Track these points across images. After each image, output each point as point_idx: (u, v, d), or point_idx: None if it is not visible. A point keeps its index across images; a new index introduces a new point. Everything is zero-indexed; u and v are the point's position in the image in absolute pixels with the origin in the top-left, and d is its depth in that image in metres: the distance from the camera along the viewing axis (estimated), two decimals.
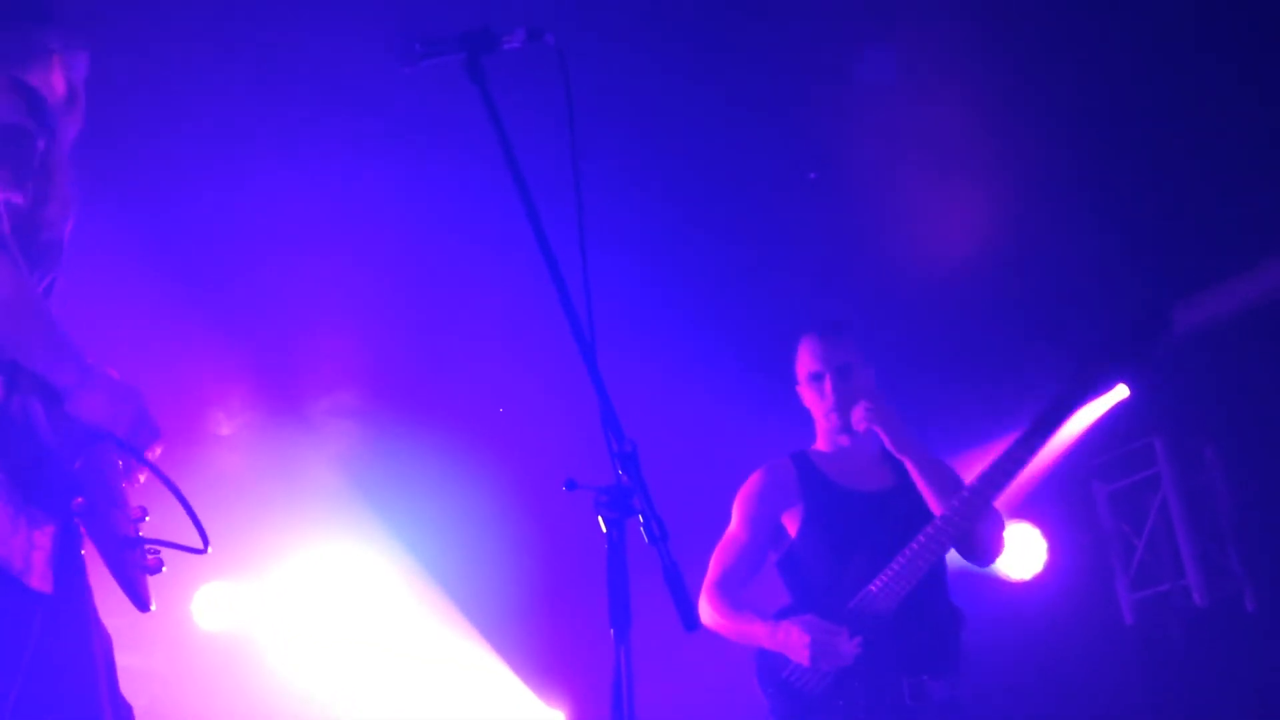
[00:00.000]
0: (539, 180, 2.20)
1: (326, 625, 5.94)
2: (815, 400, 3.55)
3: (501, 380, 5.44)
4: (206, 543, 2.09)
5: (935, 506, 3.33)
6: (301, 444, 5.61)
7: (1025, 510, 5.74)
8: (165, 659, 5.40)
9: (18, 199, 1.96)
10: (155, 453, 2.09)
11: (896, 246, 4.97)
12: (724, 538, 3.58)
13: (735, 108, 4.35)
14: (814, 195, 4.76)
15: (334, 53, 3.87)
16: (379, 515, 5.81)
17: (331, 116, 4.16)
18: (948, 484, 3.34)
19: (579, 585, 4.80)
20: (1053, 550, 5.78)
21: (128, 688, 2.13)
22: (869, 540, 3.37)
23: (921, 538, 3.27)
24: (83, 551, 2.02)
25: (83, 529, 2.00)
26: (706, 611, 3.46)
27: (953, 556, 3.46)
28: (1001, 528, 3.45)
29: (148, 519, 2.10)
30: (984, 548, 3.41)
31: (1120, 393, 5.74)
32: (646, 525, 1.98)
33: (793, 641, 3.24)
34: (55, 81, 2.29)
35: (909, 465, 3.38)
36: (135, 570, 2.05)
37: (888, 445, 3.39)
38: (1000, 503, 3.44)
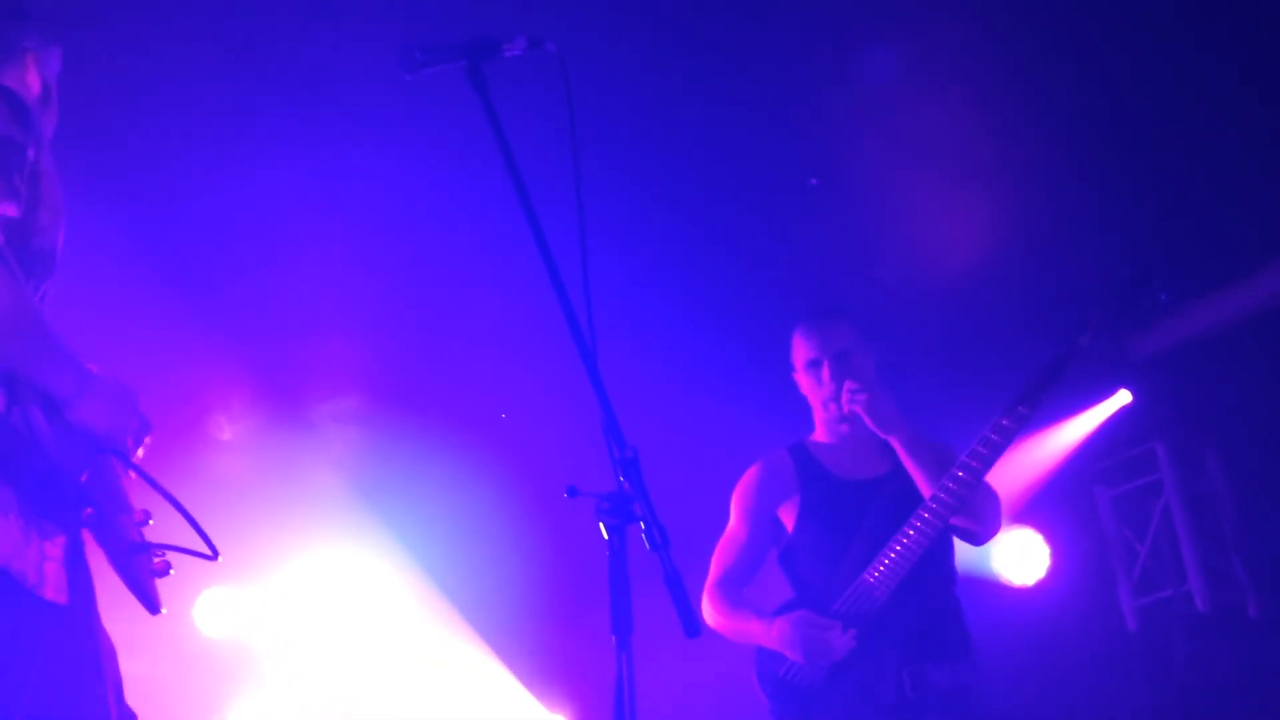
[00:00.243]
0: (540, 186, 2.20)
1: (329, 630, 5.94)
2: (813, 388, 3.48)
3: (503, 386, 5.44)
4: (215, 552, 2.09)
5: (925, 489, 3.25)
6: (303, 449, 5.61)
7: (1028, 516, 5.74)
8: (167, 665, 5.40)
9: (11, 210, 1.96)
10: (145, 443, 2.09)
11: (898, 250, 4.97)
12: (724, 535, 3.55)
13: (736, 113, 4.35)
14: (816, 200, 4.76)
15: (337, 58, 3.88)
16: (381, 520, 5.81)
17: (332, 121, 4.17)
18: (937, 465, 3.25)
19: (581, 591, 4.80)
20: (1055, 556, 5.77)
21: (130, 694, 2.13)
22: (864, 529, 3.31)
23: (915, 521, 3.19)
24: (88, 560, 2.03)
25: (91, 537, 2.00)
26: (708, 611, 3.43)
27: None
28: (995, 504, 3.35)
29: (151, 522, 2.11)
30: (978, 526, 3.30)
31: (1123, 398, 5.74)
32: (648, 531, 1.98)
33: (785, 638, 3.21)
34: (31, 80, 2.27)
35: (896, 447, 3.30)
36: (145, 574, 2.06)
37: (871, 427, 3.31)
38: (998, 487, 3.37)
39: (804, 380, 3.52)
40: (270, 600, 5.79)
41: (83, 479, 1.96)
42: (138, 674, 2.18)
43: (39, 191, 2.04)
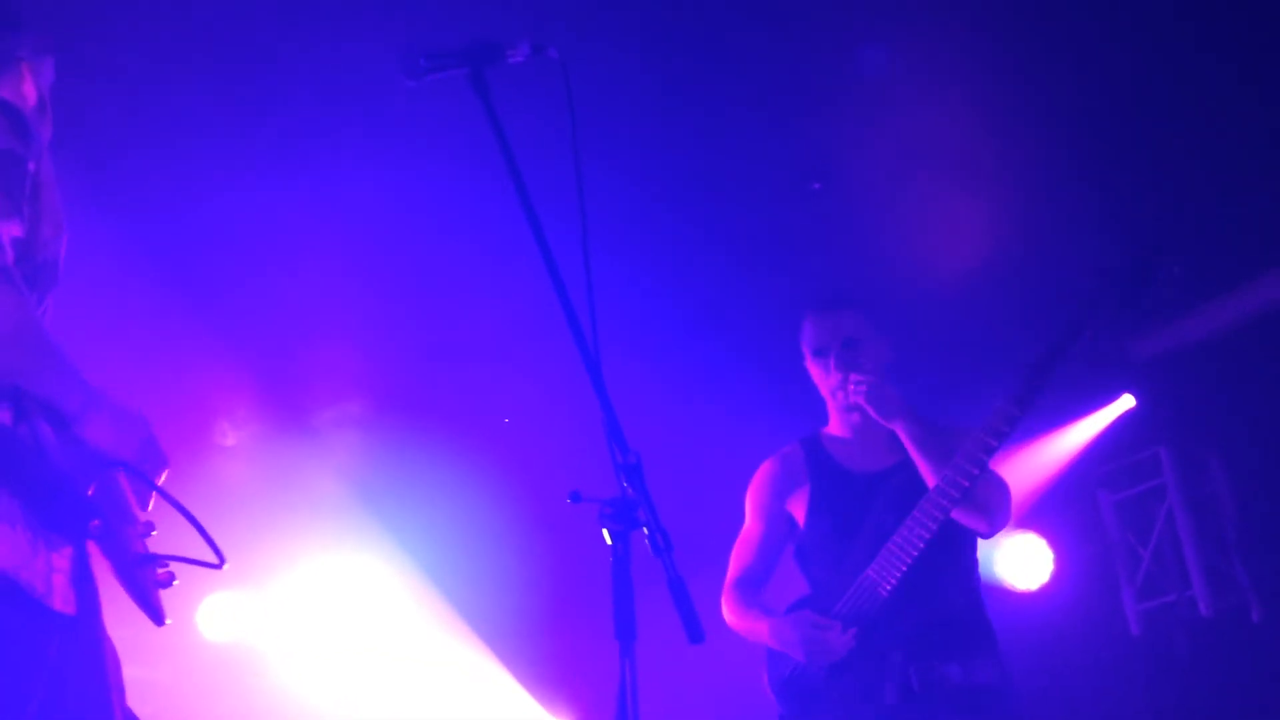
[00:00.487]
0: (543, 192, 2.21)
1: (332, 635, 5.94)
2: (821, 377, 3.41)
3: (507, 392, 5.44)
4: (222, 559, 2.10)
5: (930, 480, 3.13)
6: (306, 454, 5.61)
7: (1031, 521, 5.74)
8: (170, 670, 5.40)
9: (16, 230, 1.96)
10: (161, 477, 2.10)
11: (900, 251, 4.97)
12: (740, 534, 3.49)
13: (738, 116, 4.35)
14: (818, 202, 4.76)
15: (341, 64, 3.88)
16: (384, 526, 5.81)
17: (335, 128, 4.17)
18: (943, 455, 3.12)
19: (584, 597, 4.79)
20: (1059, 560, 5.77)
21: (133, 699, 2.14)
22: (870, 523, 3.22)
23: (917, 514, 3.08)
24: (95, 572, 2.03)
25: (97, 549, 2.01)
26: (724, 612, 3.38)
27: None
28: (1002, 494, 3.21)
29: (155, 533, 2.11)
30: (982, 518, 3.15)
31: (1126, 402, 5.74)
32: (651, 537, 1.98)
33: (787, 639, 3.17)
34: (27, 91, 2.26)
35: (901, 436, 3.19)
36: (150, 586, 2.06)
37: (874, 417, 3.21)
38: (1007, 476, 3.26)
39: (813, 369, 3.44)
40: (274, 605, 5.79)
41: (89, 492, 1.97)
42: (141, 679, 2.19)
43: (40, 204, 2.04)
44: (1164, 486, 5.61)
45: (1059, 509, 5.78)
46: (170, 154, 4.16)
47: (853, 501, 3.31)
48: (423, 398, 5.47)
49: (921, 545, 3.06)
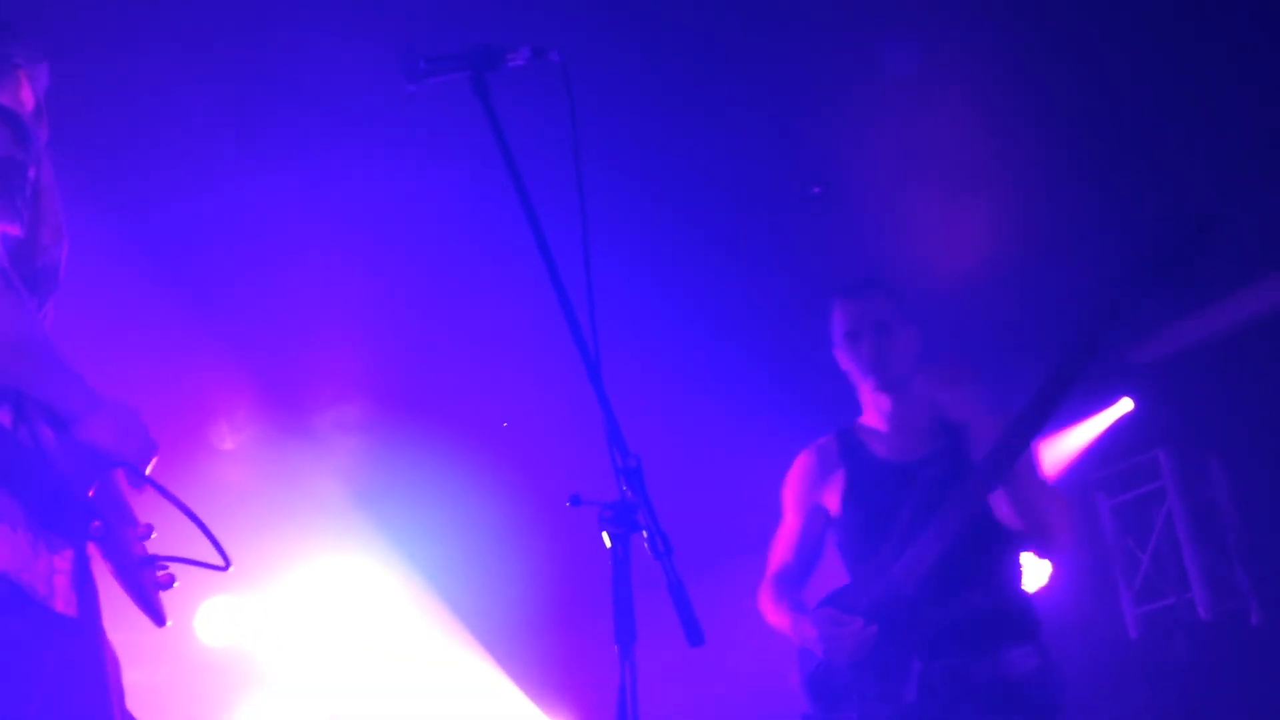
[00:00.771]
0: (543, 194, 2.21)
1: (330, 639, 5.94)
2: (852, 362, 3.30)
3: (506, 395, 5.44)
4: (228, 561, 2.11)
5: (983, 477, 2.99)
6: (306, 457, 5.61)
7: None
8: (168, 674, 5.40)
9: (15, 231, 1.98)
10: (150, 464, 2.10)
11: (901, 254, 4.97)
12: (778, 528, 3.42)
13: (738, 120, 4.35)
14: (819, 205, 4.77)
15: (342, 66, 3.88)
16: (383, 529, 5.81)
17: (335, 130, 4.17)
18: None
19: (584, 601, 4.79)
20: (1056, 564, 5.76)
21: (131, 703, 2.14)
22: (902, 514, 3.11)
23: (947, 506, 2.98)
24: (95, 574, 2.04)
25: (97, 551, 2.02)
26: (761, 607, 3.33)
27: None
28: (1048, 499, 3.07)
29: (154, 535, 2.12)
30: (1029, 524, 3.05)
31: (1125, 406, 5.74)
32: (651, 540, 1.98)
33: (807, 635, 3.11)
34: (24, 97, 2.28)
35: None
36: (150, 587, 2.07)
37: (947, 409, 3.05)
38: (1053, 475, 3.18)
39: (844, 355, 3.34)
40: (272, 609, 5.79)
41: (90, 494, 1.97)
42: (139, 683, 2.18)
43: (40, 209, 2.06)
44: (1163, 489, 5.62)
45: None
46: (170, 157, 4.17)
47: (886, 492, 3.20)
48: (422, 400, 5.47)
49: (949, 539, 2.98)
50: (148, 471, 2.08)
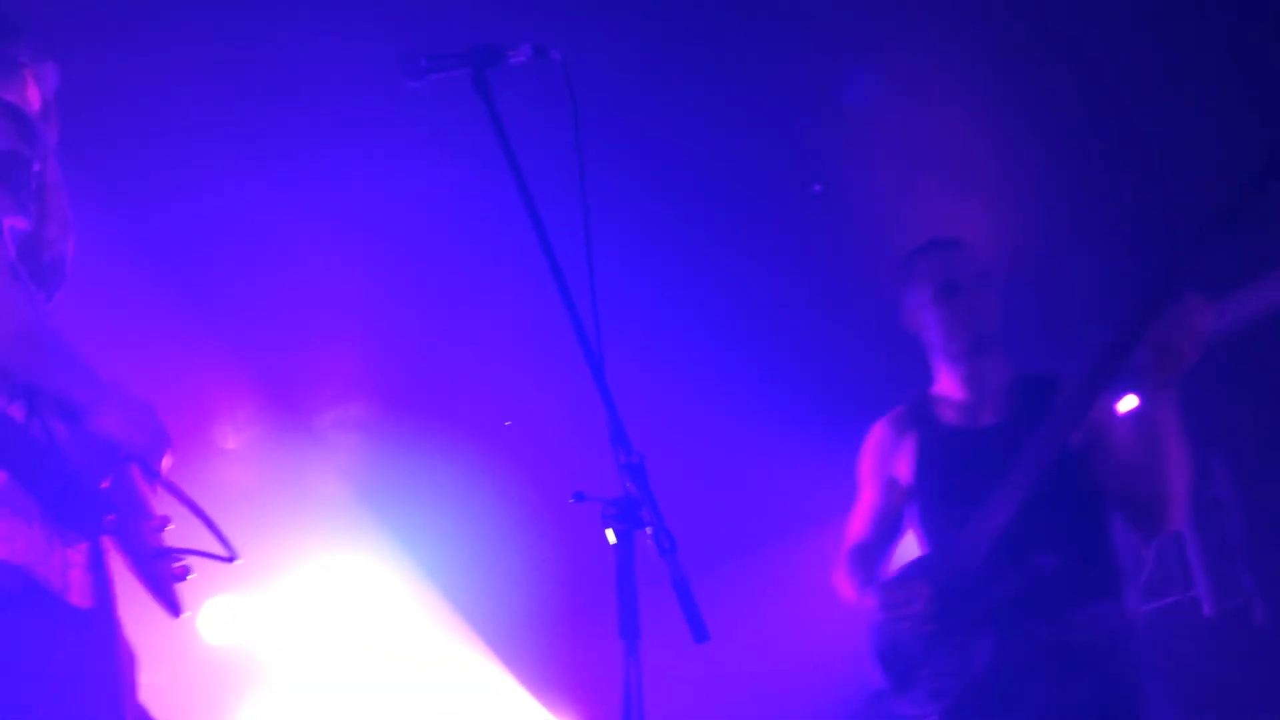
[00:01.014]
0: (545, 192, 2.21)
1: (334, 638, 5.94)
2: (943, 319, 3.12)
3: (509, 392, 5.44)
4: (234, 554, 2.13)
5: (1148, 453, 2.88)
6: (308, 457, 5.61)
7: None
8: (171, 673, 5.40)
9: (21, 224, 1.99)
10: (166, 461, 2.12)
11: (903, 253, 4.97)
12: (855, 502, 3.33)
13: (741, 118, 4.35)
14: (821, 205, 4.76)
15: (342, 64, 3.88)
16: (386, 527, 5.81)
17: (336, 128, 4.17)
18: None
19: (588, 598, 4.79)
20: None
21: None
22: (973, 482, 2.97)
23: (1013, 468, 2.84)
24: (110, 567, 2.05)
25: (112, 543, 2.03)
26: (835, 581, 3.25)
27: None
28: (1142, 459, 2.88)
29: (171, 526, 2.14)
30: (1119, 490, 2.90)
31: (1130, 403, 5.72)
32: (655, 537, 1.98)
33: (870, 608, 3.04)
34: (31, 95, 2.31)
35: (1165, 409, 2.87)
36: (166, 579, 2.09)
37: (1165, 368, 2.85)
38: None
39: (931, 313, 3.15)
40: (275, 608, 5.79)
41: (103, 486, 1.98)
42: (142, 682, 2.19)
43: (46, 205, 2.07)
44: None
45: None
46: (170, 156, 4.17)
47: (957, 460, 3.09)
48: (425, 399, 5.47)
49: (1018, 502, 2.84)
50: (165, 464, 2.10)
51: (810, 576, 5.35)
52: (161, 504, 2.16)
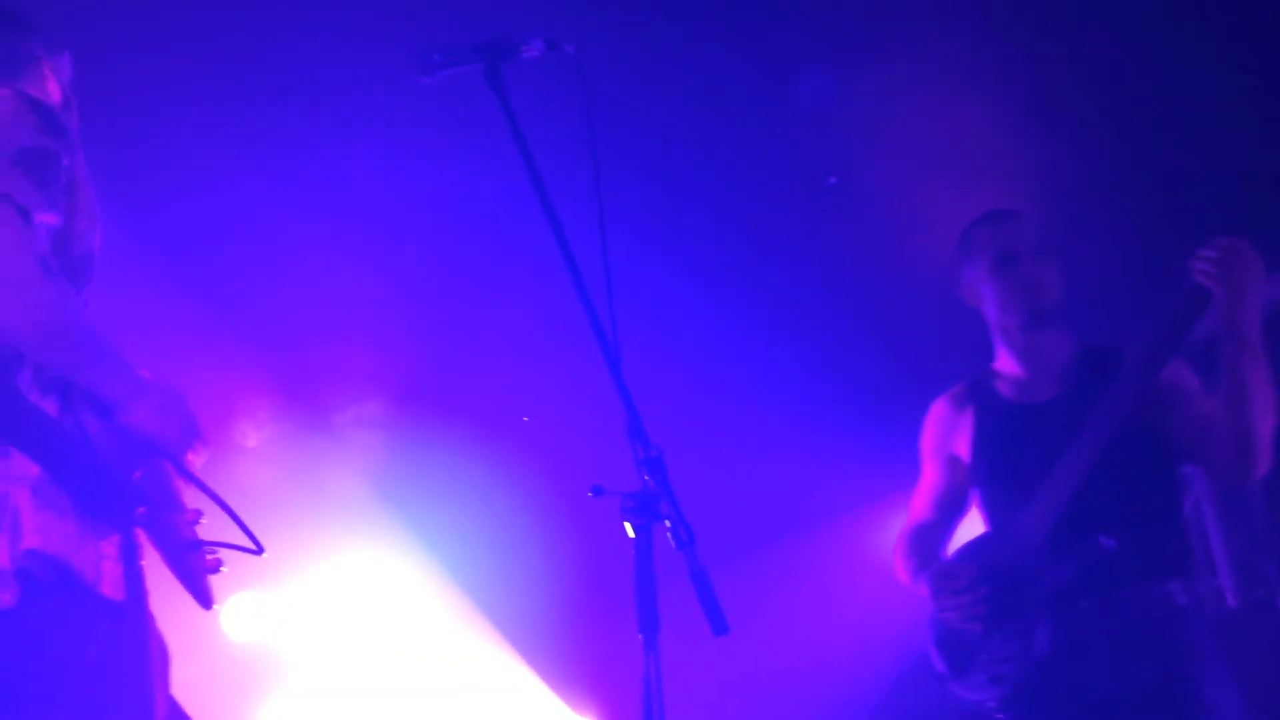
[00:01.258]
0: (560, 186, 2.21)
1: (354, 634, 5.96)
2: (1003, 290, 3.00)
3: (527, 388, 5.45)
4: (261, 547, 2.14)
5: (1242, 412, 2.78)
6: (327, 455, 5.63)
7: None
8: (195, 669, 5.42)
9: (52, 220, 2.00)
10: (200, 456, 2.14)
11: (919, 247, 4.95)
12: (918, 482, 3.25)
13: (756, 110, 4.35)
14: (836, 197, 4.75)
15: (357, 62, 3.90)
16: (405, 524, 5.82)
17: (351, 125, 4.19)
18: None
19: (607, 592, 4.79)
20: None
21: None
22: (1033, 459, 2.88)
23: (1073, 445, 2.75)
24: (143, 560, 2.07)
25: (145, 536, 2.05)
26: (894, 563, 3.17)
27: None
28: (1223, 413, 2.74)
29: (204, 520, 2.15)
30: (1196, 445, 2.79)
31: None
32: (674, 530, 1.98)
33: (922, 593, 2.95)
34: (50, 88, 2.32)
35: (1246, 367, 2.73)
36: (198, 571, 2.10)
37: (1232, 329, 2.71)
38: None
39: (991, 284, 3.03)
40: (296, 605, 5.81)
41: (135, 478, 2.00)
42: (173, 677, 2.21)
43: (75, 198, 2.09)
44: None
45: None
46: (184, 154, 4.18)
47: (1013, 438, 2.99)
48: (443, 396, 5.48)
49: (1078, 480, 2.76)
50: (200, 459, 2.11)
51: (829, 569, 5.34)
52: (193, 498, 2.18)
